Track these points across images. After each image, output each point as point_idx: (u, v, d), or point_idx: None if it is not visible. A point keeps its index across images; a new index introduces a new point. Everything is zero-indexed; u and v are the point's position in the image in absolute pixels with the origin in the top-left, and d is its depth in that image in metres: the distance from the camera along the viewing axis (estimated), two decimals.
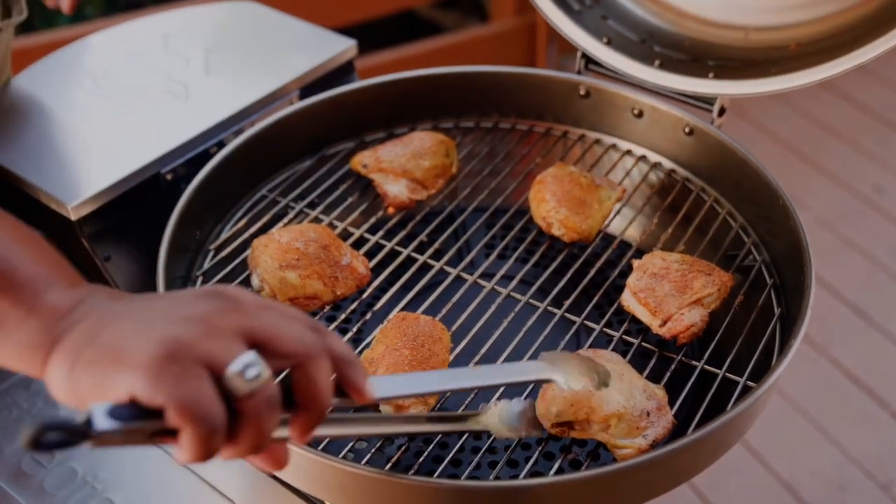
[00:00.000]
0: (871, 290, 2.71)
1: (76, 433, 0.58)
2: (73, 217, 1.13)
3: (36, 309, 0.66)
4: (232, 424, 0.63)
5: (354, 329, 1.11)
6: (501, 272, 1.14)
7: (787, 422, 2.35)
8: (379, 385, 0.74)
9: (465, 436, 0.95)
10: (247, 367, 0.62)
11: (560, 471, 0.91)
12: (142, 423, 0.61)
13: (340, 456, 0.87)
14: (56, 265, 0.72)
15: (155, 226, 1.11)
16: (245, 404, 0.62)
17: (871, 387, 2.43)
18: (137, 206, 1.18)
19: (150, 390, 0.60)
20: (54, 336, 0.65)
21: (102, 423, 0.59)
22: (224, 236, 1.18)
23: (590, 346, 1.02)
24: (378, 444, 0.94)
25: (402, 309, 1.09)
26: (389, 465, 0.92)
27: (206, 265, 1.15)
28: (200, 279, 1.13)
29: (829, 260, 2.79)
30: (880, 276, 2.76)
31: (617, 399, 0.90)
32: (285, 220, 1.20)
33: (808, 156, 3.21)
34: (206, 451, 0.62)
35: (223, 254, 1.15)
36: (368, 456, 0.92)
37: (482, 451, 0.95)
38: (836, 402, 2.41)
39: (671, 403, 0.95)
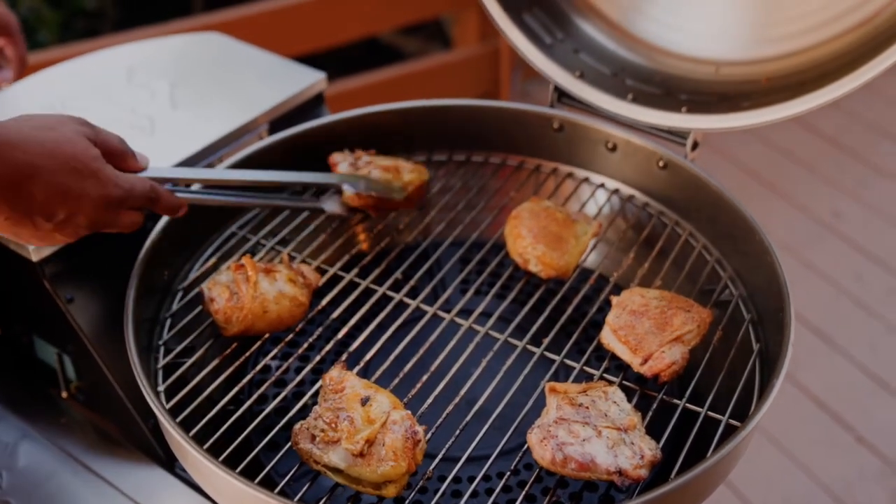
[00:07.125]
0: (834, 314, 2.75)
1: None
2: (35, 258, 1.09)
3: None
4: None
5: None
6: (479, 309, 1.12)
7: (757, 448, 2.36)
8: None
9: (453, 474, 0.93)
10: None
11: None
12: None
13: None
14: None
15: (121, 266, 1.07)
16: None
17: (837, 411, 2.46)
18: (102, 245, 1.14)
19: None
20: None
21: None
22: (193, 276, 1.15)
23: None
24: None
25: (380, 349, 1.06)
26: None
27: (175, 307, 1.11)
28: (169, 321, 1.09)
29: (791, 285, 2.81)
30: (842, 299, 2.80)
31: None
32: (257, 258, 1.17)
33: (768, 181, 3.26)
34: None
35: (192, 294, 1.12)
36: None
37: (465, 496, 0.92)
38: (802, 426, 2.43)
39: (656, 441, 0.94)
